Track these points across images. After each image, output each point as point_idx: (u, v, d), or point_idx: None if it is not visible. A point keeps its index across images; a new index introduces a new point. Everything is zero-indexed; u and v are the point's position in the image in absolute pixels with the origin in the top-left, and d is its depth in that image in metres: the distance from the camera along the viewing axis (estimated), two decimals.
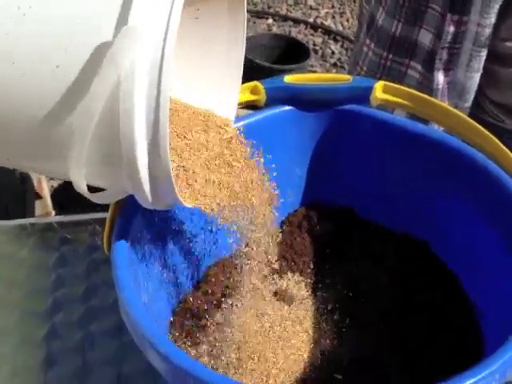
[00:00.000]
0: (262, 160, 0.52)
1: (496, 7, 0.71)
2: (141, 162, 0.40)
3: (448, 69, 0.75)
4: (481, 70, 0.75)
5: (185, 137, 0.48)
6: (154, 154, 0.40)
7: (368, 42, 0.82)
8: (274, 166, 0.54)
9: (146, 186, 0.42)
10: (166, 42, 0.38)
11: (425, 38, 0.75)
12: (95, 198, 0.45)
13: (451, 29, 0.73)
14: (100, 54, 0.38)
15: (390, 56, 0.79)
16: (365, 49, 0.83)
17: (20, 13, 0.40)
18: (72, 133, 0.40)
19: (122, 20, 0.38)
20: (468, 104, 0.76)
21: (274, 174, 0.53)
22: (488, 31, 0.72)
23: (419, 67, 0.78)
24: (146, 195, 0.43)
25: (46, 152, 0.43)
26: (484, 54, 0.74)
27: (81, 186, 0.42)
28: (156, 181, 0.42)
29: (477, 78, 0.75)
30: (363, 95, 0.58)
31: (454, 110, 0.56)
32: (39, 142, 0.42)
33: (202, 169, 0.47)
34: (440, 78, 0.75)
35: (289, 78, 0.59)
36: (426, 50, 0.76)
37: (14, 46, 0.40)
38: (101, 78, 0.38)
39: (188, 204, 0.45)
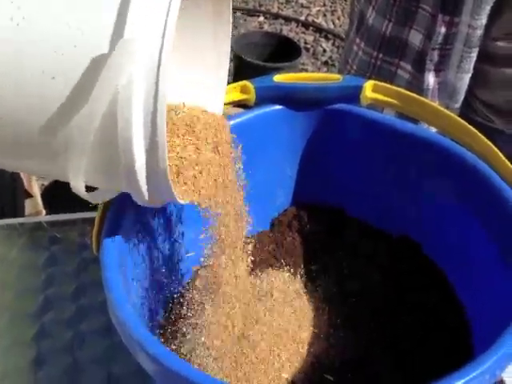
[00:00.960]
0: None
1: (487, 8, 0.71)
2: (138, 164, 0.41)
3: (439, 70, 0.75)
4: (471, 71, 0.75)
5: (178, 135, 0.48)
6: (152, 157, 0.40)
7: (358, 40, 0.82)
8: (264, 165, 0.54)
9: (144, 187, 0.42)
10: (162, 55, 0.38)
11: (415, 38, 0.75)
12: (91, 198, 0.45)
13: (442, 30, 0.73)
14: (97, 66, 0.39)
15: (380, 55, 0.79)
16: (355, 48, 0.83)
17: (14, 24, 0.40)
18: (72, 141, 0.40)
19: (118, 32, 0.38)
20: (458, 105, 0.76)
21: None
22: (479, 32, 0.72)
23: (409, 67, 0.78)
24: (143, 195, 0.43)
25: (45, 157, 0.43)
26: (474, 54, 0.74)
27: (80, 190, 0.43)
28: (153, 181, 0.42)
29: (467, 78, 0.75)
30: (353, 94, 0.58)
31: (444, 110, 0.56)
32: (39, 149, 0.42)
33: (195, 166, 0.47)
34: (430, 79, 0.75)
35: (279, 78, 0.59)
36: (416, 50, 0.76)
37: (9, 55, 0.40)
38: (99, 89, 0.38)
39: (183, 201, 0.46)
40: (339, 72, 0.92)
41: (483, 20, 0.72)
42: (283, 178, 0.62)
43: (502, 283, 0.50)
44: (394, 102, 0.57)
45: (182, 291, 0.58)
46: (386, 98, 0.58)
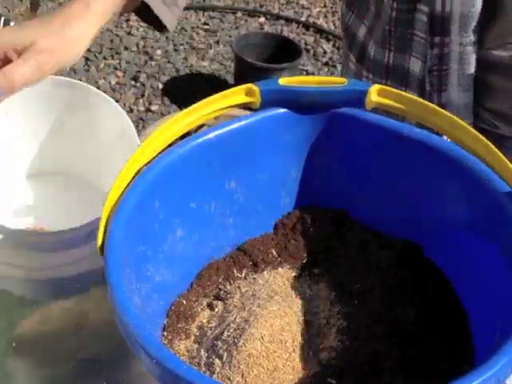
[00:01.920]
0: None
1: (473, 24, 0.71)
2: None
3: (440, 90, 0.75)
4: (472, 87, 0.75)
5: None
6: None
7: (365, 73, 0.81)
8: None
9: None
10: None
11: (415, 66, 0.75)
12: None
13: (435, 51, 0.73)
14: None
15: (389, 83, 0.79)
16: (364, 80, 0.83)
17: None
18: None
19: None
20: (469, 120, 0.76)
21: None
22: (470, 49, 0.72)
23: (415, 95, 0.78)
24: None
25: None
26: (472, 70, 0.74)
27: None
28: None
29: (470, 93, 0.75)
30: (358, 98, 0.58)
31: (450, 115, 0.56)
32: None
33: None
34: (434, 100, 0.75)
35: (284, 81, 0.59)
36: (418, 77, 0.76)
37: None
38: None
39: None
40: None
41: (471, 37, 0.72)
42: (287, 181, 0.62)
43: (505, 285, 0.50)
44: (399, 106, 0.57)
45: (186, 293, 0.58)
46: (391, 103, 0.58)
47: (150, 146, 0.54)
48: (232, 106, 0.58)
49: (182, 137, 0.56)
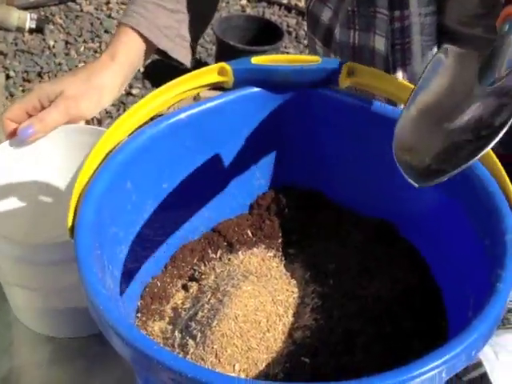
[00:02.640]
0: None
1: None
2: None
3: (404, 65, 0.75)
4: None
5: None
6: None
7: (333, 56, 0.81)
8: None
9: None
10: None
11: (380, 43, 0.75)
12: None
13: (396, 25, 0.73)
14: None
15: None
16: None
17: None
18: None
19: None
20: None
21: None
22: (431, 18, 0.72)
23: None
24: None
25: None
26: (434, 42, 0.74)
27: None
28: None
29: None
30: (332, 77, 0.57)
31: None
32: None
33: None
34: (399, 75, 0.75)
35: (257, 59, 0.58)
36: (383, 55, 0.76)
37: None
38: None
39: None
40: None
41: (431, 6, 0.72)
42: (261, 161, 0.61)
43: (477, 262, 0.50)
44: (373, 84, 0.57)
45: (160, 274, 0.57)
46: (365, 81, 0.57)
47: (120, 127, 0.53)
48: (204, 86, 0.57)
49: (153, 118, 0.56)
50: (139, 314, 0.54)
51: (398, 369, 0.39)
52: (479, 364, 0.55)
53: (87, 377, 0.67)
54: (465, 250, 0.53)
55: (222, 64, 0.57)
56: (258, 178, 0.61)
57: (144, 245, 0.55)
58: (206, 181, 0.59)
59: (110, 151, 0.53)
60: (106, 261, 0.49)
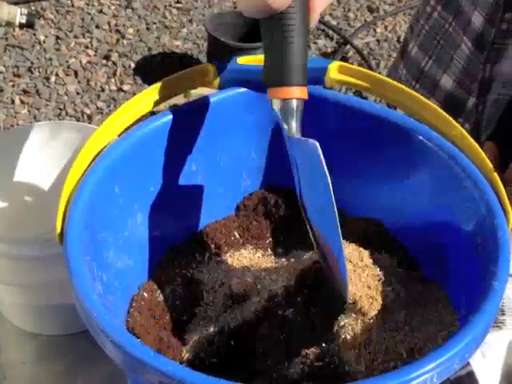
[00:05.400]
0: None
1: None
2: None
3: (495, 62, 0.76)
4: None
5: None
6: None
7: (401, 67, 0.82)
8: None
9: None
10: None
11: (477, 20, 0.76)
12: None
13: (503, 27, 0.74)
14: None
15: (417, 86, 0.79)
16: (399, 73, 0.82)
17: None
18: None
19: None
20: None
21: None
22: None
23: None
24: None
25: None
26: None
27: None
28: None
29: None
30: (317, 76, 0.57)
31: (411, 91, 0.55)
32: None
33: None
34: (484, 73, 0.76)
35: (242, 60, 0.58)
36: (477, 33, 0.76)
37: None
38: None
39: None
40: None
41: None
42: (248, 162, 0.61)
43: (469, 263, 0.50)
44: (360, 83, 0.57)
45: (150, 279, 0.57)
46: (351, 80, 0.57)
47: (105, 132, 0.53)
48: (189, 88, 0.57)
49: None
50: (130, 320, 0.54)
51: (388, 373, 0.39)
52: (466, 363, 0.55)
53: (74, 374, 0.67)
54: (457, 249, 0.53)
55: (207, 65, 0.57)
56: (245, 179, 0.61)
57: (131, 249, 0.55)
58: (193, 183, 0.59)
59: (99, 153, 0.52)
60: (95, 267, 0.49)
